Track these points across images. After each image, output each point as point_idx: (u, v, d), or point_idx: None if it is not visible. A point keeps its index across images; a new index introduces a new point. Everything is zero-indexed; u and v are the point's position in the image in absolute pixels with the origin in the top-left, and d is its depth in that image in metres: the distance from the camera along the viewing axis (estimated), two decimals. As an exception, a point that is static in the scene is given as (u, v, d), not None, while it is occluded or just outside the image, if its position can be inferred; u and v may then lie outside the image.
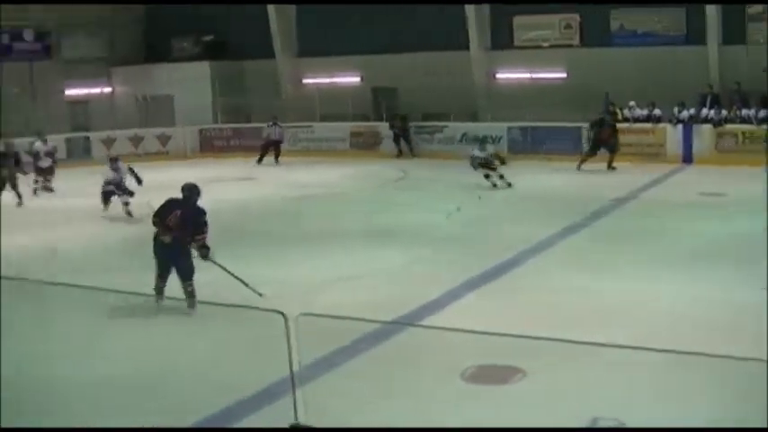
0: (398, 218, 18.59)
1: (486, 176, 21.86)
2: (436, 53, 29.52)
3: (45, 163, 24.31)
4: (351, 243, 16.03)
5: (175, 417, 8.12)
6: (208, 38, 34.34)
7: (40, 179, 24.12)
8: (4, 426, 6.97)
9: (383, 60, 30.49)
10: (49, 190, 23.94)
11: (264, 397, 8.35)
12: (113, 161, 20.34)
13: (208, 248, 12.08)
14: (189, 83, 32.37)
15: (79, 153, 31.06)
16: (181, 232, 11.88)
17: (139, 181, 20.03)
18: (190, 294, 11.76)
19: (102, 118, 33.95)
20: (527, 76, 29.43)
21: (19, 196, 22.10)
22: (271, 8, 32.24)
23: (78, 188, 23.27)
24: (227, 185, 24.45)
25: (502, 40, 30.01)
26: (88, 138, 31.78)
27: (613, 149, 24.88)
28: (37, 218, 20.16)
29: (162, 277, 12.08)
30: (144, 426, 7.74)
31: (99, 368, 9.55)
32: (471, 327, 5.76)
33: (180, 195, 12.28)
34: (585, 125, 25.94)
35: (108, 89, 35.23)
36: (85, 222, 19.47)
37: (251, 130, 31.76)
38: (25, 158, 23.74)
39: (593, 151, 25.11)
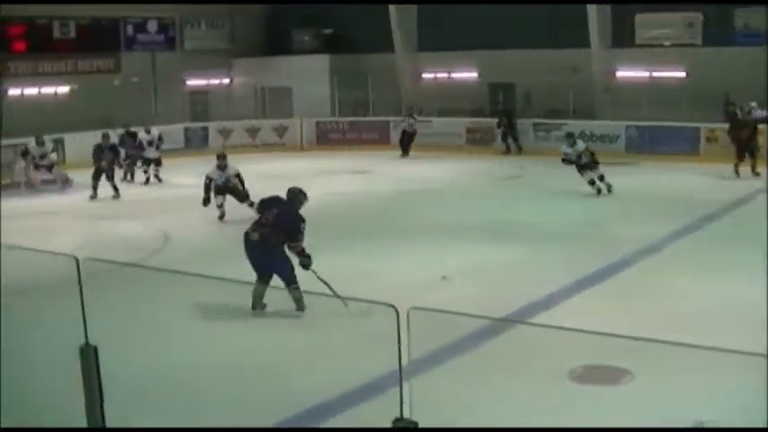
0: (509, 215, 18.45)
1: (591, 183, 20.74)
2: (555, 50, 29.19)
3: (150, 153, 24.86)
4: (460, 239, 15.93)
5: (279, 407, 8.22)
6: (327, 31, 34.59)
7: (149, 169, 24.75)
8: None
9: (501, 56, 30.21)
10: (158, 179, 24.56)
11: (370, 391, 8.42)
12: (221, 158, 19.35)
13: (308, 257, 11.42)
14: (308, 75, 32.69)
15: (197, 142, 31.73)
16: (271, 231, 11.36)
17: (243, 197, 18.81)
18: (296, 299, 11.16)
19: (220, 108, 34.67)
20: (646, 74, 28.95)
21: (115, 189, 22.40)
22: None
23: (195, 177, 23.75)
24: (340, 178, 24.73)
25: (623, 38, 29.53)
26: (206, 127, 32.40)
27: (753, 153, 23.44)
28: (152, 206, 20.71)
29: (261, 281, 11.34)
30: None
31: (205, 357, 9.74)
32: (579, 326, 5.71)
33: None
34: (705, 125, 25.40)
35: (227, 80, 35.84)
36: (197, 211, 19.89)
37: (367, 123, 32.00)
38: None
39: (742, 154, 23.42)
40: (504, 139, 29.40)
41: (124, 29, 33.53)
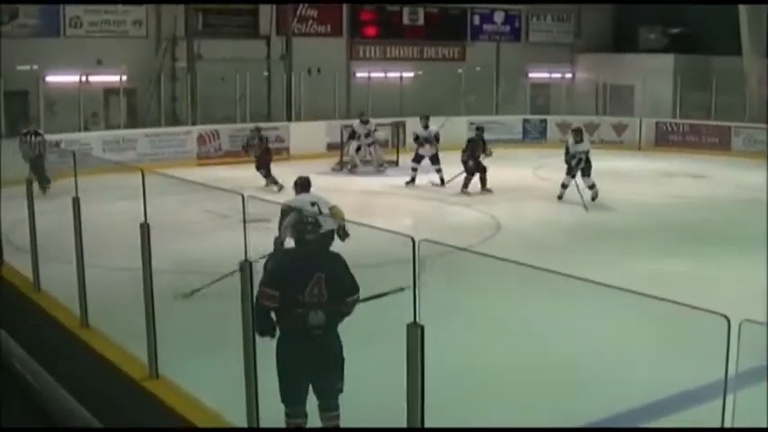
0: None
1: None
2: None
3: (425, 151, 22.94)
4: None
5: (590, 408, 8.12)
6: (675, 30, 33.74)
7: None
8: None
9: None
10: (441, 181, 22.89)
11: (688, 399, 8.19)
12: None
13: None
14: (651, 74, 31.92)
15: (535, 135, 31.93)
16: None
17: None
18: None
19: (560, 102, 34.66)
20: None
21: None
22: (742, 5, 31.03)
23: (531, 169, 23.99)
24: (678, 181, 24.08)
25: None
26: (545, 120, 32.51)
27: None
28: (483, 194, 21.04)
29: None
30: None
31: (523, 351, 9.73)
32: None
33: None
34: None
35: (569, 74, 35.74)
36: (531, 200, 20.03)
37: (709, 127, 30.87)
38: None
39: None
40: None
41: (471, 18, 34.26)
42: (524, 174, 23.70)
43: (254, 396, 6.35)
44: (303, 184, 11.32)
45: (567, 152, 20.08)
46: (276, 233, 9.72)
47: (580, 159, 19.83)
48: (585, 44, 35.78)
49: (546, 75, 35.10)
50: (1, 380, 7.56)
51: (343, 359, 6.80)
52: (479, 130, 21.82)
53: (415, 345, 4.80)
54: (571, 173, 19.90)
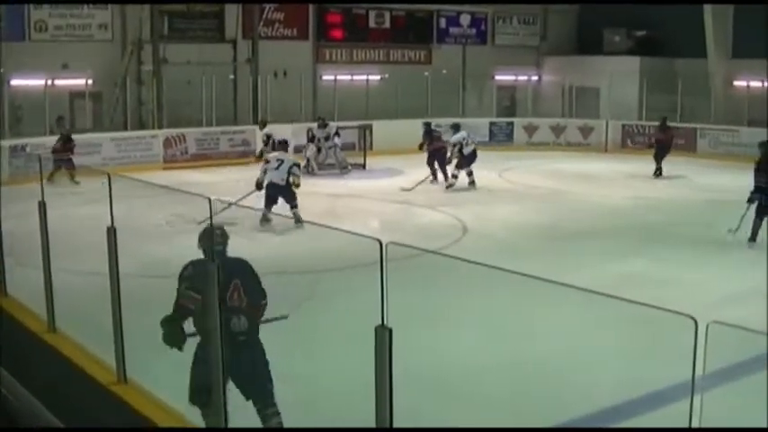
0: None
1: None
2: None
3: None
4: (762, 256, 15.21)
5: (561, 408, 8.17)
6: (640, 33, 33.96)
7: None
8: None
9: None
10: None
11: (657, 400, 8.23)
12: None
13: None
14: (617, 77, 32.09)
15: (501, 138, 32.03)
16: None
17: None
18: None
19: (526, 105, 34.83)
20: None
21: (444, 175, 22.81)
22: (707, 7, 31.27)
23: (496, 172, 24.09)
24: (643, 182, 24.25)
25: None
26: (512, 123, 32.63)
27: None
28: (449, 197, 21.12)
29: None
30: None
31: (494, 351, 9.78)
32: None
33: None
34: None
35: (535, 77, 35.93)
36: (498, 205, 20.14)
37: (676, 129, 31.02)
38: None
39: None
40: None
41: (437, 21, 34.35)
42: (490, 176, 23.75)
43: (221, 397, 6.35)
44: (282, 143, 18.44)
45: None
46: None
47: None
48: (551, 47, 36.00)
49: (512, 77, 35.29)
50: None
51: (267, 361, 6.89)
52: (426, 124, 23.82)
53: (383, 347, 4.82)
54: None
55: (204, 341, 6.73)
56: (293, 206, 17.06)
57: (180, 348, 6.77)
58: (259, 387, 6.87)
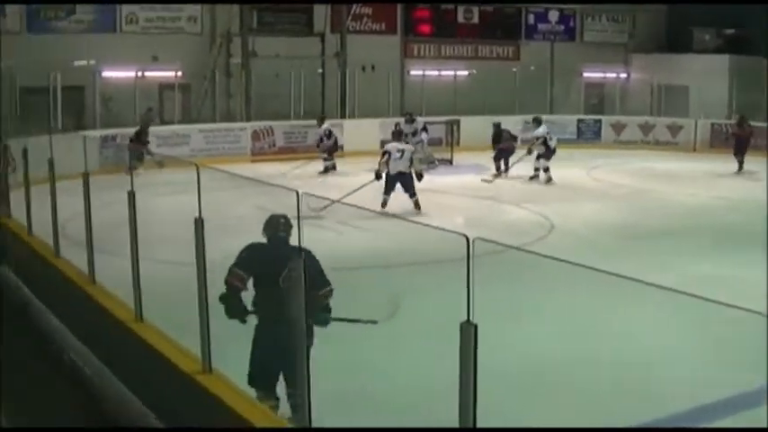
0: None
1: None
2: None
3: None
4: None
5: (644, 408, 8.08)
6: (729, 31, 33.39)
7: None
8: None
9: None
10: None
11: (735, 403, 8.12)
12: None
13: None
14: (706, 75, 31.59)
15: (589, 135, 31.74)
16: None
17: None
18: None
19: (614, 102, 34.45)
20: None
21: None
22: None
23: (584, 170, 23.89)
24: (728, 181, 23.87)
25: None
26: (599, 120, 32.31)
27: None
28: (535, 193, 20.97)
29: None
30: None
31: (571, 347, 9.70)
32: None
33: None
34: None
35: (623, 74, 35.50)
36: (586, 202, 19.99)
37: (764, 129, 30.37)
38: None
39: None
40: None
41: (525, 17, 34.15)
42: (578, 174, 23.59)
43: (306, 394, 6.36)
44: (397, 134, 19.54)
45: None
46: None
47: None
48: (640, 44, 35.58)
49: (600, 74, 34.93)
50: (56, 370, 7.65)
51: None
52: (496, 125, 24.92)
53: (468, 343, 4.78)
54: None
55: (262, 324, 7.05)
56: (412, 194, 18.08)
57: (243, 321, 7.14)
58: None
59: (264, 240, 7.34)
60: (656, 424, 7.81)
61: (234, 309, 7.19)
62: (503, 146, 23.89)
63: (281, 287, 6.69)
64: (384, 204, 17.87)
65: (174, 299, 8.79)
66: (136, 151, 21.71)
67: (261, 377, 7.15)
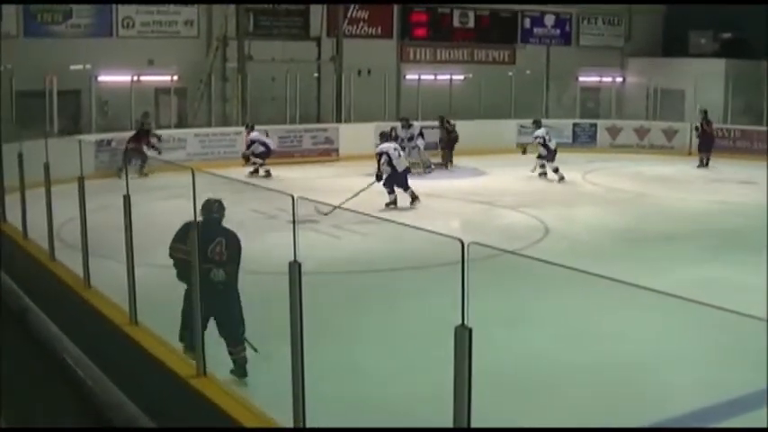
0: None
1: None
2: None
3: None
4: None
5: (640, 411, 8.09)
6: (726, 35, 33.41)
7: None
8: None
9: None
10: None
11: (735, 406, 8.13)
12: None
13: None
14: (702, 79, 31.58)
15: (585, 139, 31.75)
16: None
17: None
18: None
19: (610, 106, 34.48)
20: None
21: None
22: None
23: (580, 173, 23.91)
24: (726, 186, 23.87)
25: None
26: (595, 125, 32.31)
27: None
28: (532, 197, 20.99)
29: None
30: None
31: (572, 352, 9.69)
32: None
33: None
34: None
35: (620, 78, 35.52)
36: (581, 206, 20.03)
37: (761, 133, 30.39)
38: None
39: None
40: None
41: (522, 21, 34.19)
42: (574, 178, 23.59)
43: (300, 396, 6.37)
44: (385, 135, 20.53)
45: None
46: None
47: None
48: (636, 48, 35.59)
49: (596, 78, 34.89)
50: (54, 374, 7.64)
51: (240, 307, 8.45)
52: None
53: (463, 347, 4.80)
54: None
55: (189, 289, 8.16)
56: (407, 187, 19.25)
57: (188, 283, 8.15)
58: (232, 328, 8.45)
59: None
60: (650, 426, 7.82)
61: (181, 273, 8.28)
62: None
63: (209, 257, 8.18)
64: (395, 203, 18.96)
65: (169, 302, 8.79)
66: (134, 153, 21.74)
67: (188, 334, 8.21)
